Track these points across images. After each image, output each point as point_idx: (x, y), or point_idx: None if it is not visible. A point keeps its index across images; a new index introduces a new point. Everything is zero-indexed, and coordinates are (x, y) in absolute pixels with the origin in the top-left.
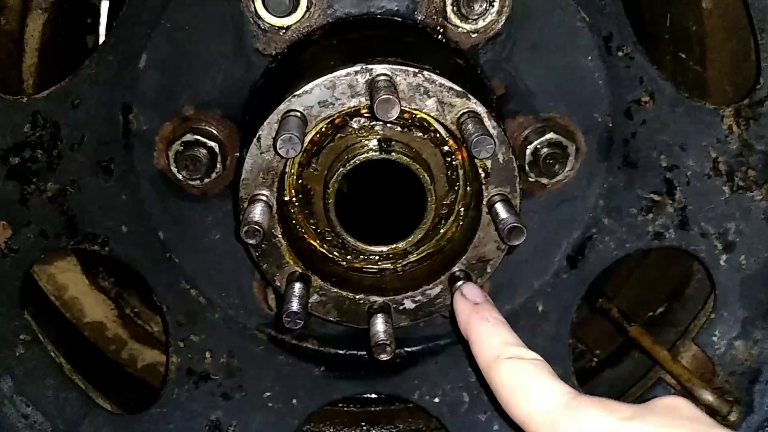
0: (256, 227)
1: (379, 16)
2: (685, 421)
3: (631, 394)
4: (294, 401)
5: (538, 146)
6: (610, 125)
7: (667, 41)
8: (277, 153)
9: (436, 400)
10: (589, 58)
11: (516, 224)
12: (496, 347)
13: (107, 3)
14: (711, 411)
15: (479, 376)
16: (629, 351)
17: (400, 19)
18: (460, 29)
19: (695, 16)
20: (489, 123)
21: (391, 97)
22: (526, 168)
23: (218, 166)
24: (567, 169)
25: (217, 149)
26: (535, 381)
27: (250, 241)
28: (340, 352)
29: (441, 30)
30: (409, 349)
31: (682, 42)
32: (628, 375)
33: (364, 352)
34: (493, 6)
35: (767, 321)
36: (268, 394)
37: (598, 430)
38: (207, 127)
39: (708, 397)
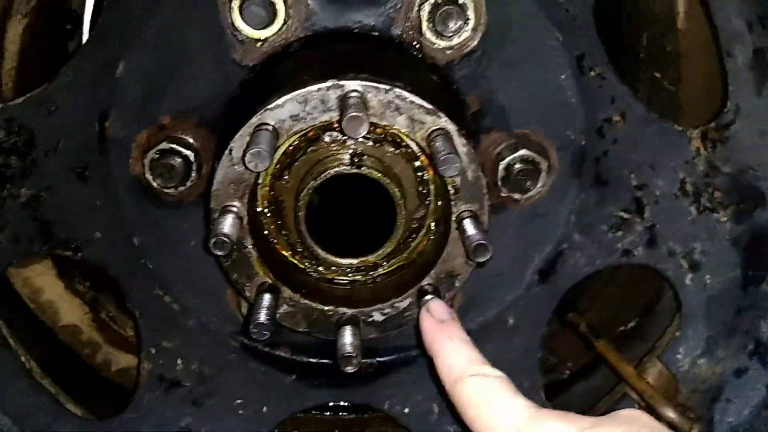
0: (225, 239)
1: (356, 31)
2: (642, 429)
3: (598, 408)
4: (265, 409)
5: (511, 162)
6: (583, 143)
7: (643, 61)
8: (246, 167)
9: (406, 410)
10: (563, 76)
11: (482, 242)
12: (460, 365)
13: (90, 10)
14: (672, 428)
15: (443, 395)
16: (600, 364)
17: (377, 34)
18: (435, 45)
19: (671, 37)
20: (458, 141)
21: (359, 115)
22: (499, 183)
23: (193, 174)
24: (539, 185)
25: (192, 158)
26: (499, 397)
27: (218, 253)
28: (312, 360)
29: (417, 46)
30: (381, 359)
31: (657, 62)
32: (599, 388)
33: (336, 362)
34: (467, 23)
35: (730, 340)
36: (239, 401)
37: None
38: (183, 136)
39: (670, 413)
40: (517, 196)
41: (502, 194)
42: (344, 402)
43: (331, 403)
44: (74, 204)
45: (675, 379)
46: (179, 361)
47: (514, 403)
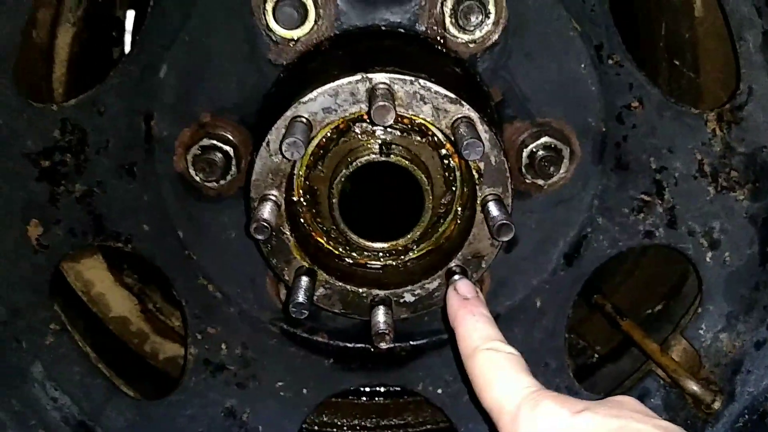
0: (265, 224)
1: (383, 28)
2: (628, 411)
3: (624, 386)
4: (304, 391)
5: (534, 149)
6: (603, 129)
7: (662, 49)
8: (283, 156)
9: (439, 391)
10: (582, 65)
11: (505, 221)
12: (477, 339)
13: (132, 17)
14: (696, 400)
15: (460, 368)
16: (628, 347)
17: (403, 31)
18: (458, 39)
19: (688, 24)
20: (481, 127)
21: (386, 104)
22: (523, 170)
23: (233, 169)
24: (562, 171)
25: (232, 153)
26: (506, 372)
27: (259, 237)
28: (349, 345)
29: (441, 40)
30: (414, 343)
31: (676, 49)
32: (626, 370)
33: (371, 345)
34: (489, 17)
35: (749, 315)
36: (280, 383)
37: (550, 420)
38: (223, 133)
39: (693, 387)
40: (541, 182)
41: (527, 181)
42: (380, 385)
43: (367, 389)
44: (124, 199)
45: (698, 354)
46: (223, 346)
47: (518, 379)
